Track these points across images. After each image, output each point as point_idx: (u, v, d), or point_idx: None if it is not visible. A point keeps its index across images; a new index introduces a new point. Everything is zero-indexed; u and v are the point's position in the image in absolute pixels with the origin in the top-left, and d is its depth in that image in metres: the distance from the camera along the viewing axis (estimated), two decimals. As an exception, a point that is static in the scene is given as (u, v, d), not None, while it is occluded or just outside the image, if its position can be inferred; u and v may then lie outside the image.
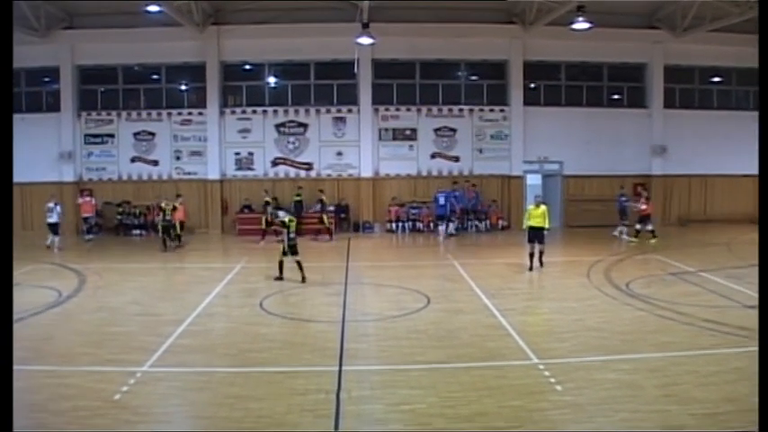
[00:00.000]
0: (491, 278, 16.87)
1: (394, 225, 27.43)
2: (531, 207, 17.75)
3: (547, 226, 17.50)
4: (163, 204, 23.41)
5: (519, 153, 28.30)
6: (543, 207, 17.53)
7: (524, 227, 17.71)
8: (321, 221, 25.40)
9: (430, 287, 15.67)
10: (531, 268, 17.42)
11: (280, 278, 16.66)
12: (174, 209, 23.43)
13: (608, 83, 28.87)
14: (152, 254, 21.96)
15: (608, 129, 28.47)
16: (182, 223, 23.85)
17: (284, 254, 16.66)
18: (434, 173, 28.31)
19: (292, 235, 16.65)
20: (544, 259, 17.94)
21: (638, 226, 23.39)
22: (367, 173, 28.07)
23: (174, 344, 11.26)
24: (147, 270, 19.10)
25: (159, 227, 23.33)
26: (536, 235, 17.43)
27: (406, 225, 27.41)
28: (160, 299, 14.90)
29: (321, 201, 26.16)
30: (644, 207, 23.40)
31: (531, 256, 17.48)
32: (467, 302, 14.17)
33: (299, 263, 16.55)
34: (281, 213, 17.82)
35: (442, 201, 26.29)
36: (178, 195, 25.21)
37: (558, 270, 17.90)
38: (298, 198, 26.65)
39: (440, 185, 27.33)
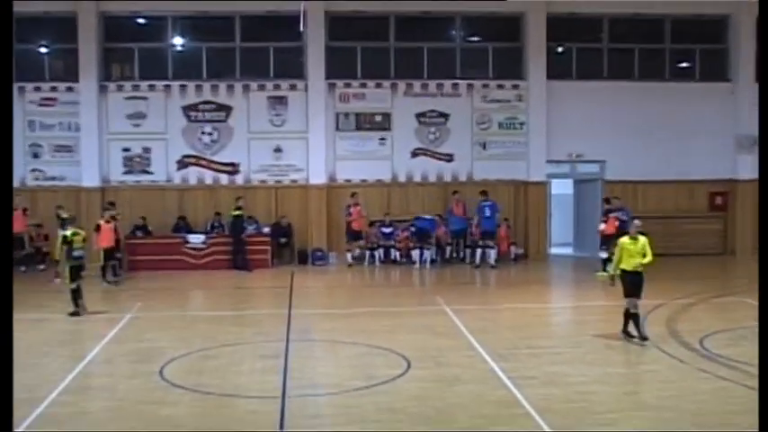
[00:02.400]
0: (500, 331, 16.89)
1: (355, 254, 27.34)
2: (625, 240, 16.55)
3: (648, 259, 16.58)
4: None
5: (540, 149, 28.50)
6: (643, 239, 16.58)
7: (615, 271, 16.51)
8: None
9: (411, 345, 15.65)
10: (628, 334, 16.14)
11: (75, 312, 18.45)
12: (98, 228, 23.47)
13: (672, 45, 29.16)
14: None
15: (672, 112, 28.58)
16: (107, 252, 23.31)
17: (73, 279, 18.51)
18: (417, 177, 28.51)
19: (77, 253, 18.64)
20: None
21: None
22: (318, 178, 28.06)
23: (27, 435, 11.03)
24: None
25: None
26: (636, 284, 16.24)
27: (377, 254, 27.52)
28: (8, 366, 14.66)
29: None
30: (602, 227, 24.26)
31: (628, 316, 16.24)
32: (465, 367, 14.12)
33: (77, 290, 18.56)
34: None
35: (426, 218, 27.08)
36: (106, 209, 24.97)
37: (599, 319, 17.83)
38: (237, 213, 26.52)
39: (426, 196, 27.67)
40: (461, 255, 27.92)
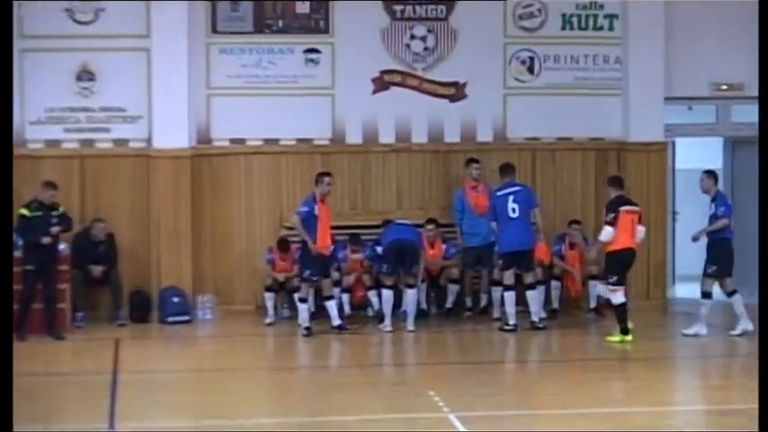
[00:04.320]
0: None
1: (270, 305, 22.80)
2: None
3: None
4: None
5: (652, 74, 24.57)
6: None
7: None
8: None
9: None
10: None
11: None
12: None
13: None
14: None
15: None
16: None
17: None
18: (387, 136, 24.43)
19: None
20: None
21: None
22: (173, 138, 23.93)
23: None
24: None
25: None
26: None
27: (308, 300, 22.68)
28: None
29: None
30: (607, 234, 21.77)
31: None
32: None
33: None
34: None
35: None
36: None
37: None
38: (26, 213, 22.39)
39: (407, 174, 24.55)
40: (483, 301, 23.00)
